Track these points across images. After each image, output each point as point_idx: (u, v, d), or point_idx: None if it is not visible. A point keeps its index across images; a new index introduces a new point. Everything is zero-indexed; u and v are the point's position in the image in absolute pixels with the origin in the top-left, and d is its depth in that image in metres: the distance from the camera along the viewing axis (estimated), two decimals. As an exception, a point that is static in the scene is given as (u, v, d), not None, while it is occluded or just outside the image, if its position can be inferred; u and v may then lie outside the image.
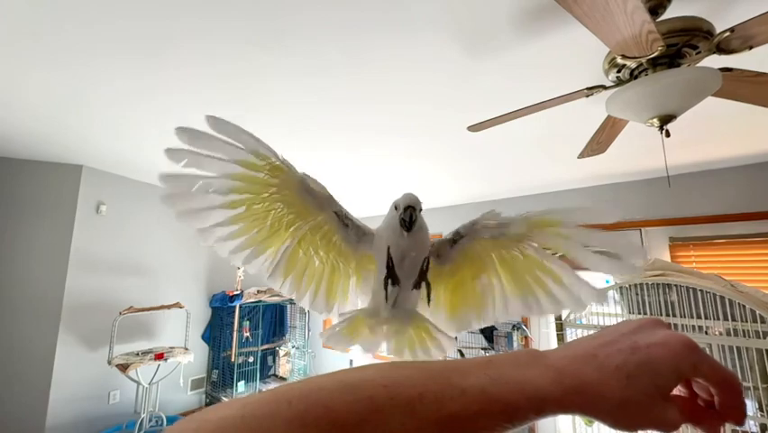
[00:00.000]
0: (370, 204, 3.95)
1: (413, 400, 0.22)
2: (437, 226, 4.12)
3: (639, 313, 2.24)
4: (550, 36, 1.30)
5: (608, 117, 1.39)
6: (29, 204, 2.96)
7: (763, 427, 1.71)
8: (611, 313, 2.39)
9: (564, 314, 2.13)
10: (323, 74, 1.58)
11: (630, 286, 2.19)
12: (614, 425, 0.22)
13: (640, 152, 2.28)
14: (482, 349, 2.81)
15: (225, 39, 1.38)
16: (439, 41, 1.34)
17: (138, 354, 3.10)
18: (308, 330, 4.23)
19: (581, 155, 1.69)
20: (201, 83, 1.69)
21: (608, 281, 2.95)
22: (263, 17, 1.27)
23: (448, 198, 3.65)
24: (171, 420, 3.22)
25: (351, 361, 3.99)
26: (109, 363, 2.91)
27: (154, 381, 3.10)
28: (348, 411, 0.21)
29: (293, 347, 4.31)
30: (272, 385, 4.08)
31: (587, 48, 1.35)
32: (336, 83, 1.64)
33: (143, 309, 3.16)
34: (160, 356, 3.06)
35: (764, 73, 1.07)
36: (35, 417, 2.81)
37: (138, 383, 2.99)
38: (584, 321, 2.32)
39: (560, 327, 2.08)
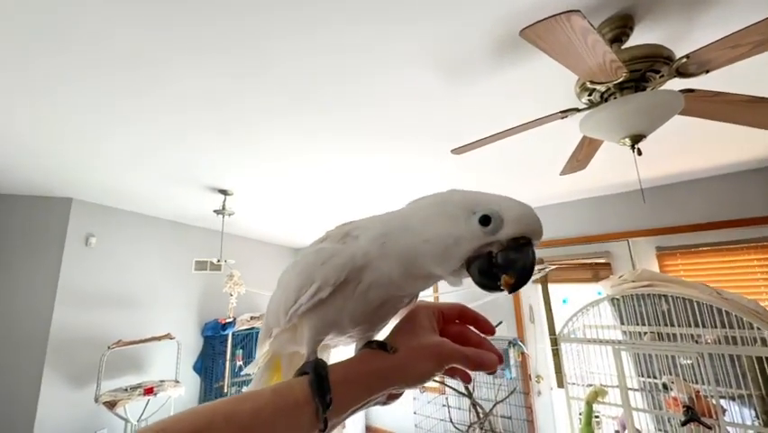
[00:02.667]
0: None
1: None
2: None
3: (636, 323, 2.24)
4: (525, 63, 1.37)
5: (584, 136, 1.45)
6: (16, 239, 2.92)
7: (760, 436, 1.71)
8: (607, 325, 2.40)
9: (558, 328, 2.13)
10: (310, 105, 1.63)
11: (622, 297, 2.21)
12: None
13: (622, 165, 2.36)
14: (480, 368, 2.78)
15: (211, 69, 1.43)
16: (421, 71, 1.40)
17: (126, 390, 2.99)
18: (303, 356, 4.14)
19: (563, 172, 1.75)
20: (187, 104, 1.69)
21: (599, 293, 2.97)
22: (247, 48, 1.32)
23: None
24: (162, 459, 3.08)
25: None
26: (96, 400, 2.80)
27: (143, 417, 2.98)
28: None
29: (288, 374, 4.20)
30: (267, 415, 3.94)
31: (561, 72, 1.42)
32: (329, 116, 1.69)
33: (133, 342, 3.08)
34: (149, 391, 2.95)
35: (724, 93, 1.14)
36: (16, 462, 2.67)
37: (126, 421, 2.88)
38: (579, 335, 2.33)
39: (554, 341, 2.08)
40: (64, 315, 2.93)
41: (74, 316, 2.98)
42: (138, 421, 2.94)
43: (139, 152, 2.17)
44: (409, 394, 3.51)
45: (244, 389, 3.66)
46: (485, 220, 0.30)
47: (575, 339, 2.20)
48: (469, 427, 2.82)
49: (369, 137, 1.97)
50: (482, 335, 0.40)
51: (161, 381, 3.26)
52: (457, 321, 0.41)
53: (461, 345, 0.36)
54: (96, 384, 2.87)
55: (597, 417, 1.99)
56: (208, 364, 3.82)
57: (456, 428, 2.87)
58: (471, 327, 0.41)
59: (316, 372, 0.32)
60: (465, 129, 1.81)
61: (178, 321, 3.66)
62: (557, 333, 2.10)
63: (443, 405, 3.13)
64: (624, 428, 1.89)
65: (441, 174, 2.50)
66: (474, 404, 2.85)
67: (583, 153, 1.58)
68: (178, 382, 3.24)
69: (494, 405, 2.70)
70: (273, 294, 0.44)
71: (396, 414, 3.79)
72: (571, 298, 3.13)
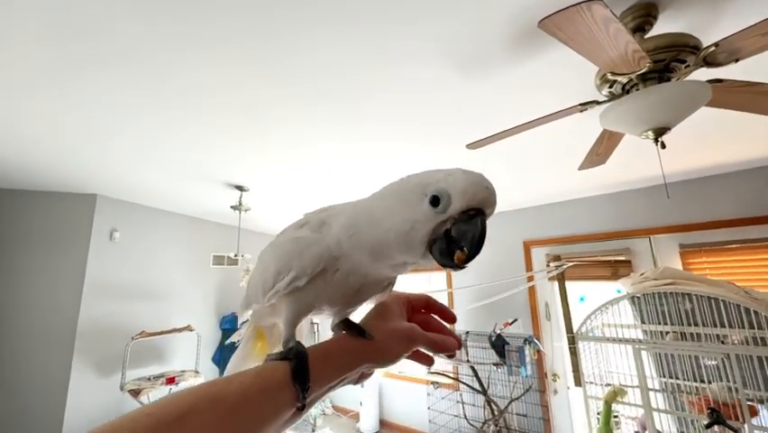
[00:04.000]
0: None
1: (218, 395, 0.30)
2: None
3: (658, 323, 2.18)
4: (542, 55, 1.34)
5: (605, 130, 1.42)
6: (43, 234, 3.06)
7: (790, 441, 1.64)
8: (627, 324, 2.34)
9: (576, 327, 2.09)
10: (323, 99, 1.64)
11: (643, 296, 2.15)
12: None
13: (643, 160, 2.28)
14: (494, 364, 2.76)
15: (229, 61, 1.45)
16: (434, 67, 1.39)
17: (150, 379, 3.11)
18: (318, 350, 4.20)
19: (582, 167, 1.71)
20: (200, 100, 1.70)
21: (618, 291, 2.90)
22: (269, 49, 1.34)
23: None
24: (183, 446, 3.19)
25: (362, 380, 3.93)
26: (122, 388, 2.92)
27: (166, 406, 3.10)
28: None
29: (303, 368, 4.27)
30: (283, 407, 4.03)
31: (579, 64, 1.38)
32: (344, 111, 1.71)
33: (155, 334, 3.19)
34: (171, 381, 3.07)
35: (754, 83, 1.09)
36: (49, 446, 2.82)
37: (150, 409, 2.99)
38: (597, 333, 2.28)
39: (572, 340, 2.04)
40: (91, 307, 3.06)
41: (100, 307, 3.11)
42: (161, 409, 3.06)
43: (154, 149, 2.23)
44: (423, 390, 3.52)
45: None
46: (435, 200, 0.30)
47: (594, 338, 2.15)
48: (483, 423, 2.81)
49: (385, 131, 1.97)
50: (444, 323, 0.44)
51: (182, 371, 3.37)
52: (423, 310, 0.45)
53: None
54: (122, 373, 3.00)
55: (616, 417, 1.95)
56: (227, 356, 3.92)
57: (471, 424, 2.87)
58: (435, 316, 0.44)
59: (298, 358, 0.34)
60: (481, 123, 1.78)
61: (197, 314, 3.77)
62: (575, 331, 2.06)
63: (458, 401, 3.13)
64: (644, 428, 1.85)
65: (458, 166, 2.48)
66: (489, 401, 2.84)
67: (603, 147, 1.54)
68: (197, 372, 3.35)
69: (509, 402, 2.69)
70: (254, 269, 0.46)
71: (410, 409, 3.81)
72: (588, 296, 3.06)
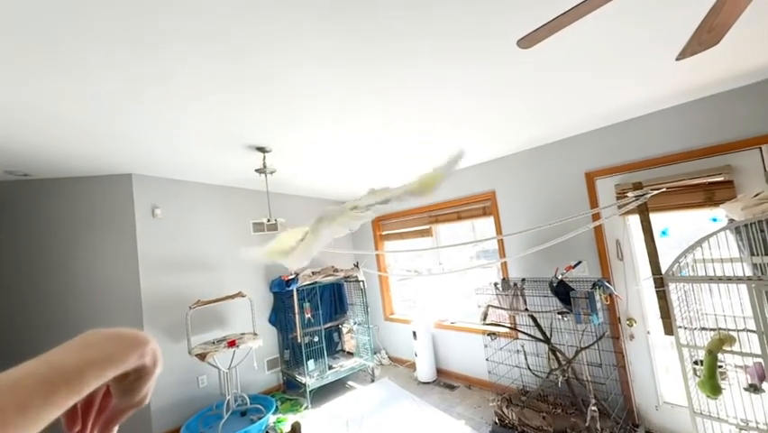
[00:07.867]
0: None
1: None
2: (485, 184, 3.67)
3: (766, 254, 1.73)
4: None
5: (732, -19, 0.94)
6: (95, 216, 3.19)
7: None
8: (727, 258, 1.90)
9: (665, 267, 1.71)
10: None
11: (757, 222, 1.69)
12: None
13: (759, 42, 1.68)
14: (558, 313, 2.48)
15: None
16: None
17: (213, 343, 3.30)
18: (367, 306, 4.21)
19: (683, 54, 1.23)
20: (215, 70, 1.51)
21: (714, 219, 2.39)
22: None
23: (484, 153, 3.23)
24: (254, 399, 3.44)
25: (414, 333, 3.90)
26: (189, 353, 3.13)
27: (232, 365, 3.30)
28: None
29: (355, 323, 4.34)
30: (341, 360, 4.18)
31: None
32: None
33: (209, 302, 3.32)
34: (232, 343, 3.22)
35: None
36: (141, 402, 3.16)
37: (218, 369, 3.21)
38: (686, 273, 1.88)
39: (660, 282, 1.68)
40: (149, 280, 3.23)
41: (157, 280, 3.28)
42: (228, 369, 3.26)
43: (171, 120, 2.08)
44: (478, 340, 3.38)
45: (316, 339, 3.87)
46: None
47: (684, 278, 1.76)
48: (549, 373, 2.62)
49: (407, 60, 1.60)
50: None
51: (242, 334, 3.54)
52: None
53: None
54: (187, 339, 3.20)
55: (720, 366, 1.63)
56: (281, 317, 4.07)
57: (535, 374, 2.70)
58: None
59: None
60: (530, 20, 1.35)
61: (247, 280, 3.89)
62: (665, 271, 1.69)
63: (518, 351, 2.95)
64: (762, 379, 1.51)
65: (506, 82, 2.04)
66: (553, 350, 2.61)
67: (723, 16, 1.06)
68: (255, 334, 3.49)
69: (577, 352, 2.44)
70: None
71: (467, 358, 3.73)
72: (672, 228, 2.58)
